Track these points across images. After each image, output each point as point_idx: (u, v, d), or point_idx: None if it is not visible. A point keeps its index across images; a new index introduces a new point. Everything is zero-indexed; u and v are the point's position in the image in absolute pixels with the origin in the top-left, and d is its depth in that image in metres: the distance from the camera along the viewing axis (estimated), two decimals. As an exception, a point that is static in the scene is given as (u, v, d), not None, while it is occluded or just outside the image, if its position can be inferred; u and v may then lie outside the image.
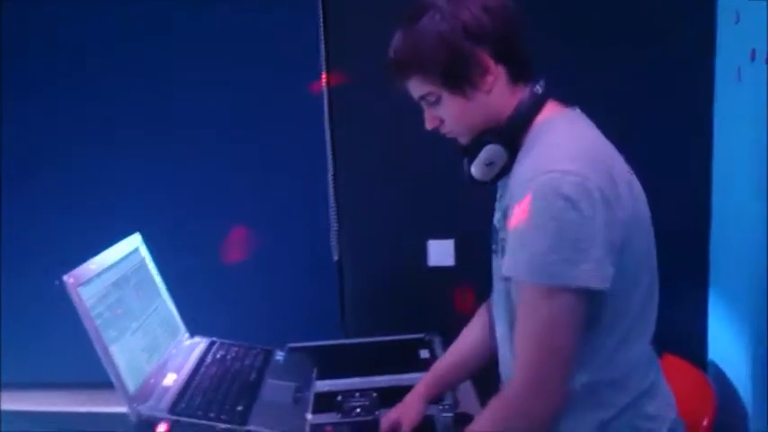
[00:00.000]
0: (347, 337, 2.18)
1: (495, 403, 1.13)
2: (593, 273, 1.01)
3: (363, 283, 2.26)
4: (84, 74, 2.14)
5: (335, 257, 2.24)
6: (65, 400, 1.94)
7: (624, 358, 1.14)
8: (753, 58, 1.81)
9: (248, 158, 2.18)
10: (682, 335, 2.17)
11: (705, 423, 1.83)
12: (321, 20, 2.09)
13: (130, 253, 1.46)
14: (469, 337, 1.48)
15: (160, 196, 2.17)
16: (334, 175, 2.19)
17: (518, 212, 1.04)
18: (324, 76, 2.11)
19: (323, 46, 2.10)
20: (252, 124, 2.17)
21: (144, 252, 1.52)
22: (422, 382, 1.49)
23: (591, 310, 1.07)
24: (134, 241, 1.49)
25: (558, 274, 1.01)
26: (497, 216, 1.24)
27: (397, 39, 1.15)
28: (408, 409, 1.45)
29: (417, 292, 2.22)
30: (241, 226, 2.22)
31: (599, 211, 1.01)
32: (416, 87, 1.16)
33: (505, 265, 1.09)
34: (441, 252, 2.21)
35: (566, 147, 1.07)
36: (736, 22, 1.92)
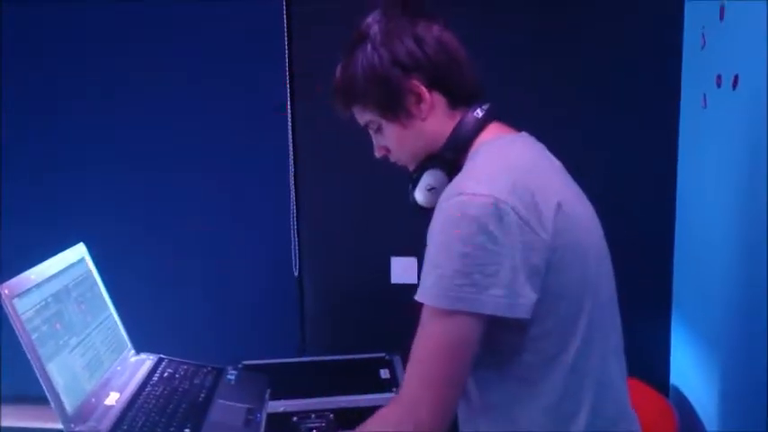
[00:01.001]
0: (306, 355, 2.12)
1: (380, 413, 1.09)
2: (503, 299, 0.98)
3: (324, 300, 2.21)
4: (27, 77, 2.08)
5: (296, 273, 2.18)
6: (5, 415, 1.83)
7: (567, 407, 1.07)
8: (719, 85, 1.81)
9: (206, 169, 2.13)
10: (644, 359, 2.16)
11: (667, 450, 1.82)
12: (285, 28, 2.06)
13: (74, 264, 1.38)
14: None
15: (109, 205, 2.10)
16: (295, 189, 2.15)
17: (429, 236, 1.03)
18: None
19: (287, 62, 2.07)
20: (211, 136, 2.12)
21: (89, 263, 1.44)
22: None
23: (508, 340, 1.03)
24: (78, 251, 1.41)
25: (465, 300, 0.97)
26: None
27: (337, 70, 1.17)
28: None
29: (379, 310, 2.17)
30: (199, 239, 2.16)
31: (513, 234, 0.98)
32: (358, 116, 1.18)
33: (418, 288, 1.05)
34: (404, 269, 2.17)
35: (484, 169, 1.05)
36: (702, 48, 1.93)
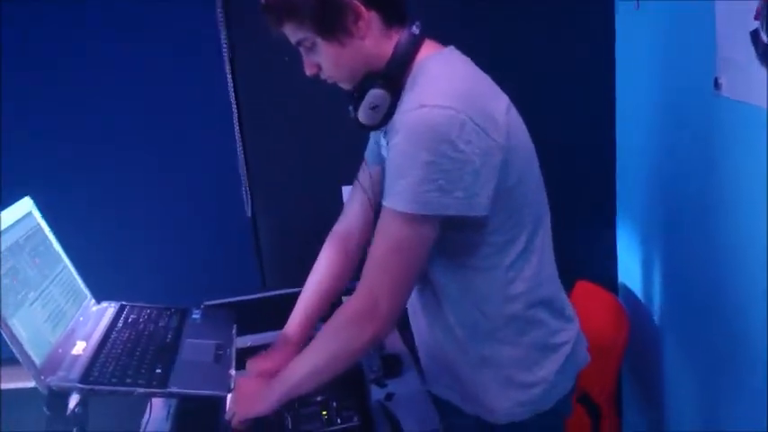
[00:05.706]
0: (266, 291, 2.14)
1: (334, 317, 1.20)
2: (465, 201, 1.07)
3: (280, 235, 2.22)
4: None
5: (249, 213, 2.18)
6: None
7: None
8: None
9: (150, 113, 2.08)
10: (593, 261, 2.26)
11: (620, 342, 1.92)
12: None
13: (22, 218, 1.34)
14: (326, 266, 1.51)
15: (52, 155, 2.02)
16: (240, 128, 2.12)
17: (394, 147, 1.09)
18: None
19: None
20: (152, 75, 2.06)
21: (38, 217, 1.41)
22: (293, 328, 1.48)
23: (467, 237, 1.15)
24: (25, 206, 1.38)
25: (431, 204, 1.06)
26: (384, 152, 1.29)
27: None
28: (285, 359, 1.35)
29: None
30: (148, 187, 2.12)
31: (473, 140, 1.06)
32: (291, 33, 1.17)
33: (384, 196, 1.13)
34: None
35: (438, 84, 1.11)
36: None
